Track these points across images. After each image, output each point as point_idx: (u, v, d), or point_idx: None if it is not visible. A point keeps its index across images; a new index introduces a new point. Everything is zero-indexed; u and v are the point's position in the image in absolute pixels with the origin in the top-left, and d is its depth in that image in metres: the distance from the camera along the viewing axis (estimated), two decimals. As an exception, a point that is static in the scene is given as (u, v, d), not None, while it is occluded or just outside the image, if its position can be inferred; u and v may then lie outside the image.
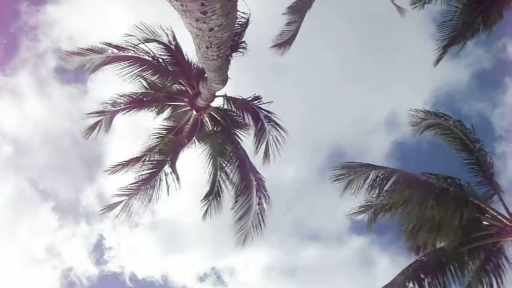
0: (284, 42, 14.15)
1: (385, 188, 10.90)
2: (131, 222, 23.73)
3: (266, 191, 12.88)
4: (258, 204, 12.79)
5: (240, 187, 13.04)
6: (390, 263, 21.86)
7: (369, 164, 11.47)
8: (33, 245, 25.51)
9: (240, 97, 13.50)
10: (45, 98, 24.42)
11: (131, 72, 12.79)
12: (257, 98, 13.45)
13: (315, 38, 18.78)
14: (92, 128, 13.75)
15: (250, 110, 13.49)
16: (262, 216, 12.73)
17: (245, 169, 13.15)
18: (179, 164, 13.19)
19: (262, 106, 13.40)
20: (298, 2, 13.85)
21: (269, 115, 13.27)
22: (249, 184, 13.01)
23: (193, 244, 24.67)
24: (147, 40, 12.83)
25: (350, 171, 11.17)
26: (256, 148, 13.19)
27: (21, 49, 23.64)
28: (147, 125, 13.92)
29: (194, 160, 13.55)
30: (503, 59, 21.02)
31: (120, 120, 13.83)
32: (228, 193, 13.18)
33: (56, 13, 22.71)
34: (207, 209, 13.08)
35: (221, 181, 13.18)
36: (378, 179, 10.87)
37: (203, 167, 13.27)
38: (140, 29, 12.63)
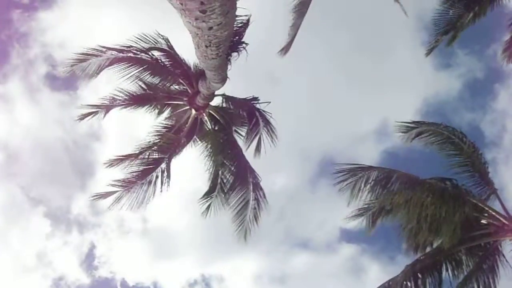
0: (286, 46, 14.14)
1: (386, 189, 10.91)
2: (122, 229, 23.96)
3: (261, 189, 13.06)
4: (255, 199, 12.96)
5: (237, 184, 13.18)
6: (381, 272, 21.94)
7: (369, 166, 11.47)
8: (24, 253, 25.35)
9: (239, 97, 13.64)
10: (36, 105, 24.29)
11: (131, 72, 12.73)
12: (255, 98, 13.67)
13: (307, 47, 18.72)
14: (86, 115, 13.45)
15: (247, 109, 13.65)
16: (258, 211, 12.89)
17: (243, 167, 13.31)
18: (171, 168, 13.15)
19: (258, 107, 13.60)
20: (297, 5, 13.84)
21: (265, 114, 13.52)
22: (245, 181, 13.13)
23: (183, 251, 24.92)
24: (145, 49, 12.72)
25: (352, 174, 11.13)
26: (248, 140, 13.43)
27: (12, 56, 23.51)
28: (140, 133, 13.84)
29: (184, 168, 13.59)
30: (493, 66, 21.01)
31: (113, 128, 13.62)
32: (228, 190, 13.29)
33: (47, 20, 22.63)
34: (208, 206, 13.16)
35: (223, 178, 13.29)
36: (378, 179, 10.91)
37: (192, 175, 13.33)
38: (138, 39, 12.50)
